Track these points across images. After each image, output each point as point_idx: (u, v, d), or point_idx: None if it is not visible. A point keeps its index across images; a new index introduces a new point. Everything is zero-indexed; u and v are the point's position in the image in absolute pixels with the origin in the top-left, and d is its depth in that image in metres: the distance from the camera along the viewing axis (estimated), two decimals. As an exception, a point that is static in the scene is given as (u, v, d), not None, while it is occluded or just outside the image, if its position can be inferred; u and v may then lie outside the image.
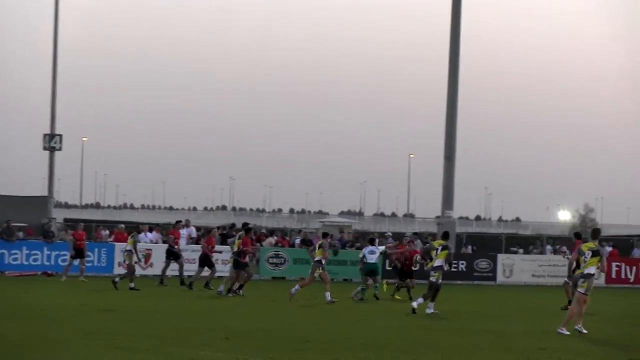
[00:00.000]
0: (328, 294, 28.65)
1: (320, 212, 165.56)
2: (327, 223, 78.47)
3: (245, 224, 33.35)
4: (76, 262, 37.41)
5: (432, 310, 25.16)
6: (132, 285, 32.45)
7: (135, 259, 34.07)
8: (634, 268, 46.80)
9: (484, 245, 63.74)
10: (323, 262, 29.36)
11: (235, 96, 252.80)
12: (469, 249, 51.03)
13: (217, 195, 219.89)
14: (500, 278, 46.51)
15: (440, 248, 25.71)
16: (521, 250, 51.50)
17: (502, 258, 47.47)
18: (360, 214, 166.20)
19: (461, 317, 25.02)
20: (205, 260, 34.61)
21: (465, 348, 17.68)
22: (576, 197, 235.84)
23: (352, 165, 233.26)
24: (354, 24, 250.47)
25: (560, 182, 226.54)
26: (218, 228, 40.65)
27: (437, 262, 25.55)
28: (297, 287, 29.12)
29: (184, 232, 40.16)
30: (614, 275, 46.26)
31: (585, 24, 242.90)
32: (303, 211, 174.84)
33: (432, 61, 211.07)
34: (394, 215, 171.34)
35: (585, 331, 20.33)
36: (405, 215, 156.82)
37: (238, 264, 31.07)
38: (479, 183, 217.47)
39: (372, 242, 32.62)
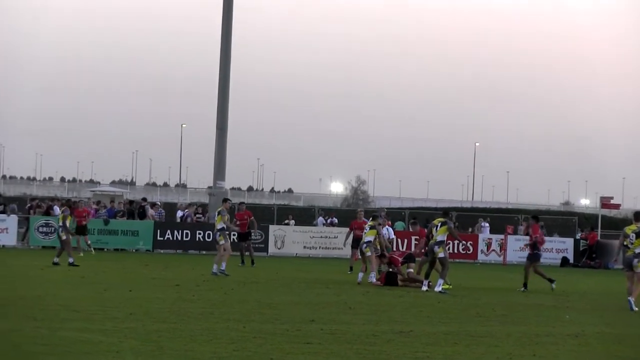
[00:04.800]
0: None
1: (91, 181, 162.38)
2: (99, 192, 77.11)
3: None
4: None
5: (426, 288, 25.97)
6: None
7: None
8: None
9: (256, 216, 64.23)
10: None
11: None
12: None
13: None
14: (272, 249, 47.00)
15: (439, 225, 26.02)
16: (293, 222, 52.11)
17: (273, 229, 47.96)
18: (132, 183, 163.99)
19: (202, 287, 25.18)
20: None
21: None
22: (348, 169, 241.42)
23: (123, 133, 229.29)
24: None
25: (333, 154, 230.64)
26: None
27: (439, 237, 25.98)
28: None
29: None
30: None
31: None
32: (74, 180, 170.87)
33: (205, 30, 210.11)
34: (166, 185, 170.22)
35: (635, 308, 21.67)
36: (177, 185, 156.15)
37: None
38: (251, 154, 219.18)
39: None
